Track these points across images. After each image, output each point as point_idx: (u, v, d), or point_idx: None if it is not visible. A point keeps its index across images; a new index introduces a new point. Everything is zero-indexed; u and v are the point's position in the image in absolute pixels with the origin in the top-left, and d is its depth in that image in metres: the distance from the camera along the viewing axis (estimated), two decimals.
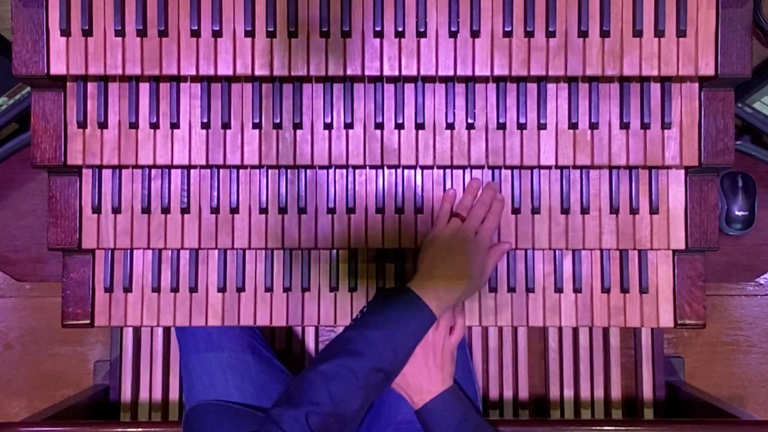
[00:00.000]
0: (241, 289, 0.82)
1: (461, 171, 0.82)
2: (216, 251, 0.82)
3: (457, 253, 0.76)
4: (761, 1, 0.85)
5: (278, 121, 0.79)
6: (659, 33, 0.76)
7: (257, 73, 0.76)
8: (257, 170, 0.81)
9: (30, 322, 1.47)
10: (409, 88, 0.80)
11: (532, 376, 1.30)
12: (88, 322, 0.81)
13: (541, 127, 0.79)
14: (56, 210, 0.80)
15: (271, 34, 0.76)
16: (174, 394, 1.27)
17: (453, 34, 0.76)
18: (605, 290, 0.82)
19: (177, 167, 0.81)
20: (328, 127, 0.79)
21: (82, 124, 0.79)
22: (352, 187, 0.81)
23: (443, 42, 0.77)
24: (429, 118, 0.80)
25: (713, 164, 0.79)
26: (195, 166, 0.81)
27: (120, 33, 0.76)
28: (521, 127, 0.79)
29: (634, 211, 0.81)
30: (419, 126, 0.79)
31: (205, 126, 0.79)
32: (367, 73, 0.77)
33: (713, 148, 0.79)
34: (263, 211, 0.81)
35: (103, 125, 0.79)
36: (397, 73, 0.77)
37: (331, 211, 0.81)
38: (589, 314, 0.82)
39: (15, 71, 0.76)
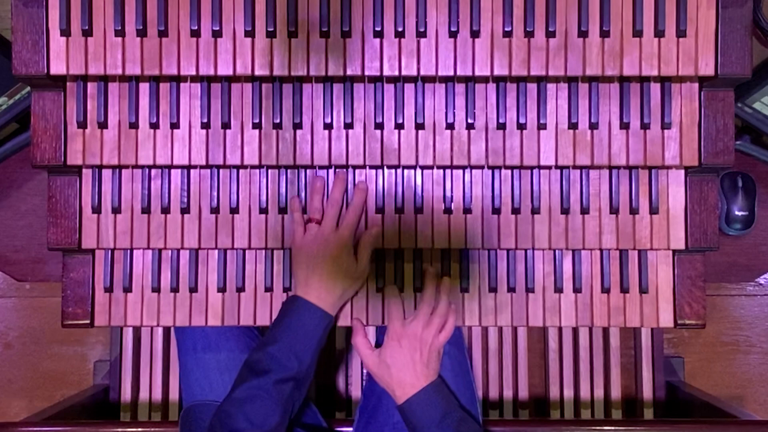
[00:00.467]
0: (241, 289, 0.82)
1: (461, 171, 0.82)
2: (216, 251, 0.82)
3: (323, 259, 0.77)
4: (761, 1, 0.85)
5: (278, 121, 0.79)
6: (659, 33, 0.76)
7: (257, 73, 0.76)
8: (257, 170, 0.81)
9: (30, 322, 1.47)
10: (409, 88, 0.80)
11: (532, 376, 1.30)
12: (88, 322, 0.81)
13: (541, 127, 0.79)
14: (56, 210, 0.80)
15: (271, 34, 0.76)
16: (174, 394, 1.27)
17: (453, 34, 0.76)
18: (605, 290, 0.82)
19: (177, 167, 0.81)
20: (328, 127, 0.79)
21: (82, 124, 0.79)
22: (352, 188, 0.81)
23: (443, 42, 0.77)
24: (429, 118, 0.80)
25: (713, 164, 0.79)
26: (195, 166, 0.81)
27: (120, 33, 0.76)
28: (521, 127, 0.79)
29: (634, 211, 0.81)
30: (419, 126, 0.79)
31: (205, 126, 0.79)
32: (367, 73, 0.77)
33: (713, 148, 0.79)
34: (263, 211, 0.81)
35: (103, 125, 0.79)
36: (397, 73, 0.77)
37: None
38: (589, 314, 0.82)
39: (15, 71, 0.76)
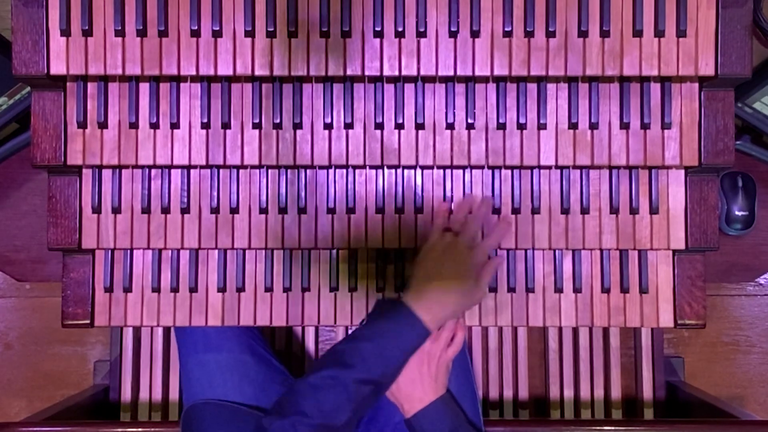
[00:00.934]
0: (241, 289, 0.82)
1: (461, 171, 0.82)
2: (216, 251, 0.82)
3: (449, 268, 0.76)
4: (761, 1, 0.85)
5: (278, 121, 0.79)
6: (659, 33, 0.76)
7: (257, 73, 0.76)
8: (257, 170, 0.81)
9: (30, 322, 1.47)
10: (409, 88, 0.80)
11: (532, 376, 1.30)
12: (88, 322, 0.81)
13: (541, 127, 0.79)
14: (56, 210, 0.80)
15: (271, 34, 0.76)
16: (174, 394, 1.27)
17: (453, 34, 0.76)
18: (605, 290, 0.82)
19: (177, 167, 0.81)
20: (328, 127, 0.79)
21: (82, 124, 0.79)
22: (352, 187, 0.81)
23: (443, 42, 0.77)
24: (429, 118, 0.80)
25: (713, 164, 0.79)
26: (195, 166, 0.81)
27: (120, 33, 0.76)
28: (521, 127, 0.79)
29: (634, 211, 0.81)
30: (419, 126, 0.79)
31: (205, 126, 0.79)
32: (367, 73, 0.77)
33: (713, 148, 0.79)
34: (263, 211, 0.81)
35: (103, 125, 0.79)
36: (397, 73, 0.77)
37: (331, 211, 0.81)
38: (589, 314, 0.82)
39: (15, 71, 0.76)
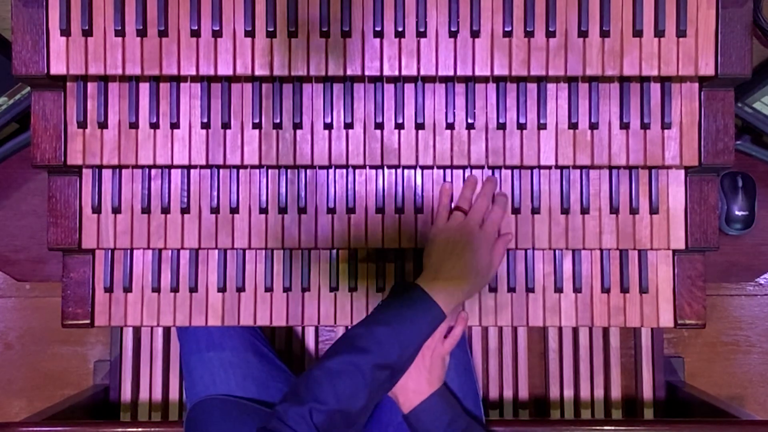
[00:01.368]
0: (241, 289, 0.82)
1: (461, 171, 0.82)
2: (216, 251, 0.82)
3: (463, 248, 0.76)
4: (761, 1, 0.85)
5: (278, 121, 0.79)
6: (659, 33, 0.76)
7: (257, 73, 0.76)
8: (257, 170, 0.81)
9: (30, 322, 1.47)
10: (409, 88, 0.80)
11: (532, 376, 1.30)
12: (88, 322, 0.81)
13: (541, 127, 0.79)
14: (56, 210, 0.80)
15: (271, 34, 0.76)
16: (174, 394, 1.27)
17: (453, 34, 0.76)
18: (605, 290, 0.82)
19: (177, 167, 0.81)
20: (328, 127, 0.79)
21: (82, 124, 0.79)
22: (352, 187, 0.81)
23: (443, 42, 0.77)
24: (429, 118, 0.80)
25: (713, 164, 0.79)
26: (195, 166, 0.81)
27: (120, 33, 0.76)
28: (521, 127, 0.79)
29: (634, 211, 0.81)
30: (419, 126, 0.79)
31: (205, 126, 0.79)
32: (367, 73, 0.77)
33: (713, 148, 0.79)
34: (263, 211, 0.81)
35: (103, 125, 0.79)
36: (397, 73, 0.77)
37: (331, 211, 0.81)
38: (589, 314, 0.82)
39: (15, 71, 0.76)
